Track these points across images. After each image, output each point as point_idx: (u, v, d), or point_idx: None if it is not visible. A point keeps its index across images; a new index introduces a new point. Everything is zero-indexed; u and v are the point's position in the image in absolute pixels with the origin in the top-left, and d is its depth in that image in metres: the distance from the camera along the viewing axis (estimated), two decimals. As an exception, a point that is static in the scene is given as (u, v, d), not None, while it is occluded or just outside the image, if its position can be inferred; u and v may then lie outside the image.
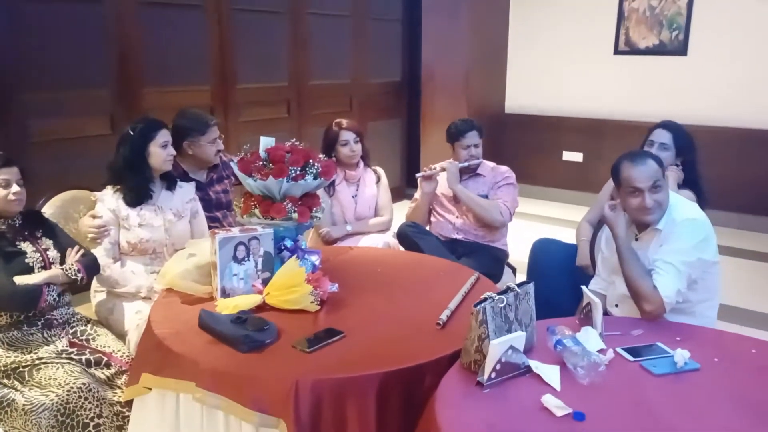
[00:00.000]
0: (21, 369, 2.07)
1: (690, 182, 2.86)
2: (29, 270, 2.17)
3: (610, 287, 2.32)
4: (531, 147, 6.44)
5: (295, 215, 2.17)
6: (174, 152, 2.56)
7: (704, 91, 5.53)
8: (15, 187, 2.16)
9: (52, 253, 2.26)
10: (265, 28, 4.86)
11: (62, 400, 1.97)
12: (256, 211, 2.19)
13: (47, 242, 2.27)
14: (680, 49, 5.62)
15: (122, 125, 2.56)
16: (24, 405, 1.97)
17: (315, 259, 2.22)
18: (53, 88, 3.59)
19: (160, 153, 2.49)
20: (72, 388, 2.00)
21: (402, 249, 3.08)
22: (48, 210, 2.59)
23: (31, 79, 3.49)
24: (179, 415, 1.77)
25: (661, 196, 2.10)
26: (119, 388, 2.15)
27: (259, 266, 2.13)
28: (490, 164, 3.33)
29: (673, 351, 1.69)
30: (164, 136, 2.51)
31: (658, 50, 5.74)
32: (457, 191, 3.16)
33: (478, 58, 6.09)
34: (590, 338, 1.75)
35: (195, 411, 1.72)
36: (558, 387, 1.55)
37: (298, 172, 2.15)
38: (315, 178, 2.19)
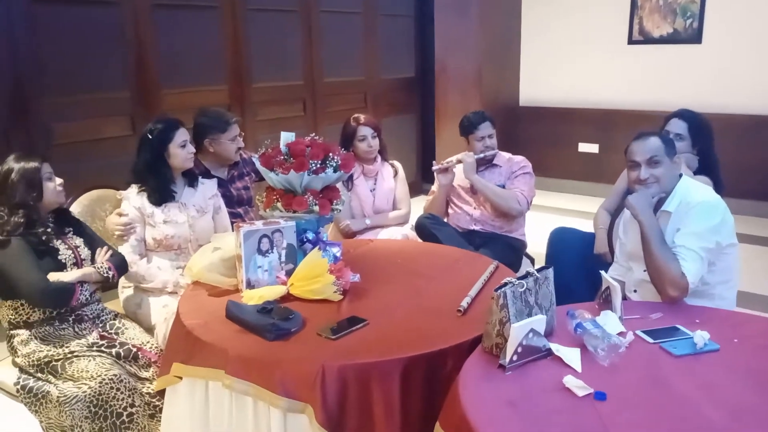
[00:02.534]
0: (54, 362, 2.12)
1: (706, 169, 2.85)
2: (62, 267, 2.19)
3: (628, 273, 2.33)
4: (546, 139, 6.42)
5: (316, 208, 2.21)
6: (194, 150, 2.60)
7: (720, 79, 5.48)
8: (58, 179, 2.23)
9: (83, 251, 2.28)
10: (278, 27, 4.90)
11: (95, 392, 2.01)
12: (279, 204, 2.22)
13: (77, 240, 2.30)
14: (695, 37, 5.58)
15: (142, 126, 2.58)
16: (58, 397, 2.02)
17: (336, 250, 2.25)
18: (73, 92, 3.65)
19: (180, 153, 2.52)
20: (104, 379, 2.04)
21: (420, 241, 3.11)
22: (75, 209, 2.63)
23: (51, 83, 3.54)
24: (209, 403, 1.81)
25: (659, 171, 2.14)
26: (148, 380, 2.20)
27: (283, 258, 2.16)
28: (506, 155, 3.34)
29: (693, 333, 1.70)
30: (182, 135, 2.53)
31: (673, 39, 5.70)
32: (474, 181, 3.18)
33: (490, 51, 6.08)
34: (610, 321, 1.76)
35: (224, 399, 1.76)
36: (579, 369, 1.57)
37: (318, 166, 2.19)
38: (335, 170, 2.22)
